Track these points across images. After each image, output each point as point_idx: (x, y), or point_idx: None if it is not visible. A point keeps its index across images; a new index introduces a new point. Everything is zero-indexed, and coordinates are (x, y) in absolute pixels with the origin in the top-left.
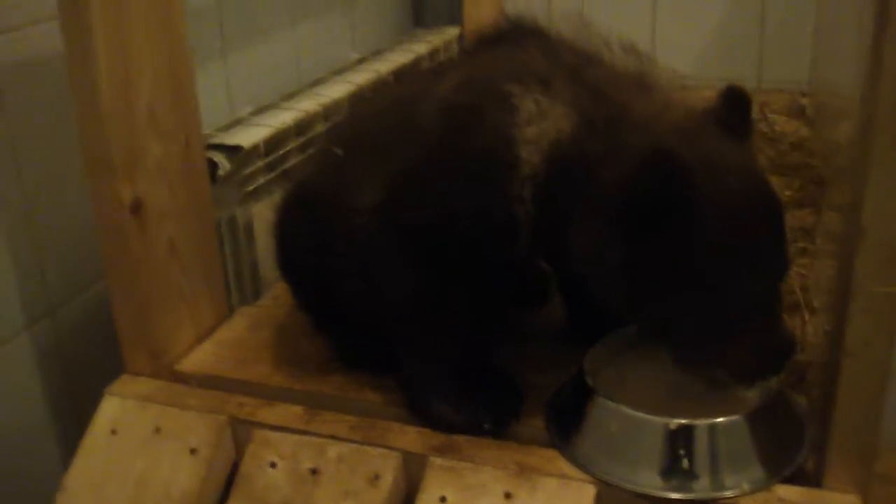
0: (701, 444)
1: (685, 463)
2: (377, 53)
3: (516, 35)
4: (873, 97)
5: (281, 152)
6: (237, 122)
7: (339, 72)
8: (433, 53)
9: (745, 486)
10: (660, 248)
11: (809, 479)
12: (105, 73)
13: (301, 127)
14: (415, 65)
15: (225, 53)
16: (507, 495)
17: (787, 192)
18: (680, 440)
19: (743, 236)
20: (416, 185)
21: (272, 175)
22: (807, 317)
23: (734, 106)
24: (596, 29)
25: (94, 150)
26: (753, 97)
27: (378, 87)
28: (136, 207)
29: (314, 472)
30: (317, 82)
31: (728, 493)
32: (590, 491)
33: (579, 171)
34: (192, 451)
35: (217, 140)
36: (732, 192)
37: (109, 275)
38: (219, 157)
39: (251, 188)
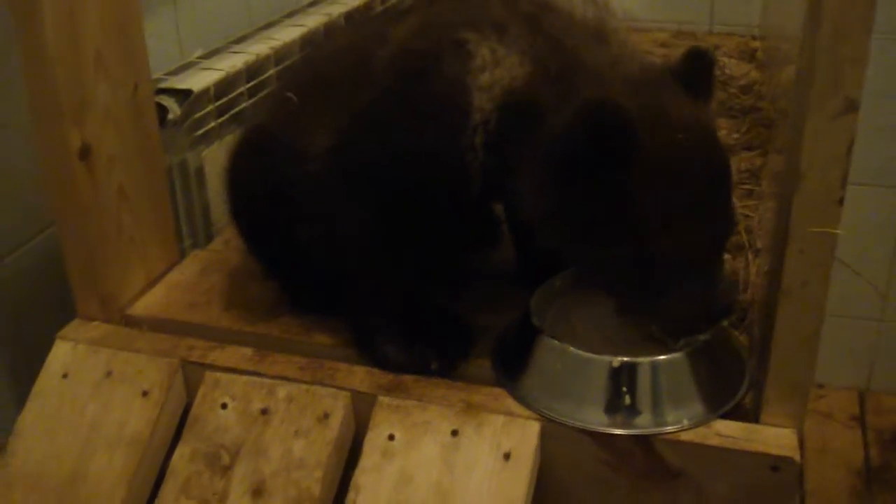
0: (643, 381)
1: (628, 399)
2: None
3: None
4: (812, 42)
5: (231, 96)
6: (187, 66)
7: (291, 15)
8: None
9: (686, 422)
10: (593, 196)
11: (748, 414)
12: (49, 15)
13: (252, 71)
14: (367, 9)
15: None
16: (454, 432)
17: (736, 135)
18: (623, 377)
19: (682, 193)
20: (370, 128)
21: (223, 119)
22: (750, 257)
23: (696, 66)
24: None
25: (40, 95)
26: (705, 40)
27: (330, 31)
28: (85, 153)
29: (265, 412)
30: (268, 25)
31: (669, 429)
32: (535, 427)
33: (532, 118)
34: (144, 394)
35: (167, 84)
36: (676, 149)
37: (59, 220)
38: (168, 102)
39: (202, 132)
